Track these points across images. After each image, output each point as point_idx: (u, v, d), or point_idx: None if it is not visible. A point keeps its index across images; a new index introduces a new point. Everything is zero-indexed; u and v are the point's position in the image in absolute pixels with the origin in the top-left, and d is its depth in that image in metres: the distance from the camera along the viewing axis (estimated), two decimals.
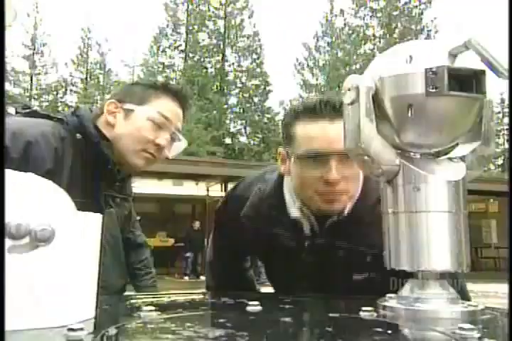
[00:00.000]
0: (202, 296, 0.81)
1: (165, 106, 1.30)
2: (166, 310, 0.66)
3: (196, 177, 13.74)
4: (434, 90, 0.68)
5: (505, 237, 15.23)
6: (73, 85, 27.63)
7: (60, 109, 25.45)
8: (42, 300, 0.55)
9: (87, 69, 27.98)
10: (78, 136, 1.25)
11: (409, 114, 0.71)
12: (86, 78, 27.78)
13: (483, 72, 0.69)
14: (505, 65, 0.68)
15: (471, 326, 0.57)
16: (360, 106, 0.74)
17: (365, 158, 0.74)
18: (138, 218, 1.78)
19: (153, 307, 0.65)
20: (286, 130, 1.15)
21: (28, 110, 1.31)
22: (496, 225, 16.36)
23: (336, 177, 1.06)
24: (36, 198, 0.58)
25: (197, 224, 13.90)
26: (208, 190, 15.69)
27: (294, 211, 1.18)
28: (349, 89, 0.75)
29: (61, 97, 27.20)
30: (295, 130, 1.11)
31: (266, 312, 0.70)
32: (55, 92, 27.10)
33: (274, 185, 1.24)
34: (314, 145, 1.07)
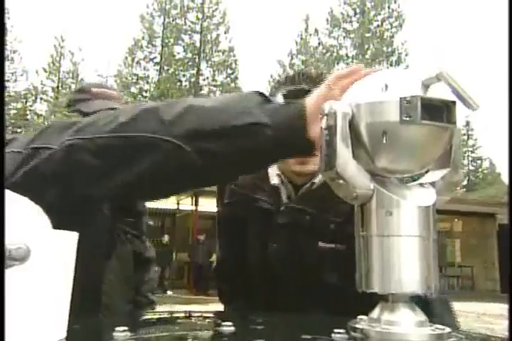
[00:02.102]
0: (177, 315, 0.80)
1: None
2: (139, 331, 0.65)
3: None
4: (407, 118, 0.71)
5: (468, 256, 15.57)
6: (44, 94, 27.13)
7: (28, 117, 24.91)
8: (13, 320, 0.54)
9: (58, 78, 27.57)
10: None
11: (384, 141, 0.74)
12: (57, 87, 27.35)
13: (453, 102, 0.73)
14: (475, 97, 0.72)
15: None
16: (336, 131, 0.76)
17: (341, 181, 0.76)
18: (150, 223, 1.71)
19: (126, 328, 0.64)
20: None
21: None
22: (460, 244, 16.73)
23: None
24: (10, 215, 0.57)
25: (166, 238, 13.72)
26: (178, 204, 15.54)
27: (274, 179, 1.34)
28: (326, 114, 0.78)
29: (30, 105, 26.65)
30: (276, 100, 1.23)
31: (239, 333, 0.71)
32: (24, 100, 26.54)
33: None
34: None
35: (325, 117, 0.78)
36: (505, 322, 8.36)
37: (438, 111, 0.72)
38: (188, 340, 0.64)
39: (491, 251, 15.52)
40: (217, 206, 1.54)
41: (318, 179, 1.30)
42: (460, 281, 15.52)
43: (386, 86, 0.74)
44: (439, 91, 0.74)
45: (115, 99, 1.63)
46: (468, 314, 9.52)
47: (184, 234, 15.33)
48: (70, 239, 0.64)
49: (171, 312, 0.83)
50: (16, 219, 0.57)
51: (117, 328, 0.64)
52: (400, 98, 0.71)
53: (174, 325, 0.75)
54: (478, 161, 36.80)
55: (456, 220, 16.67)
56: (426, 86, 0.73)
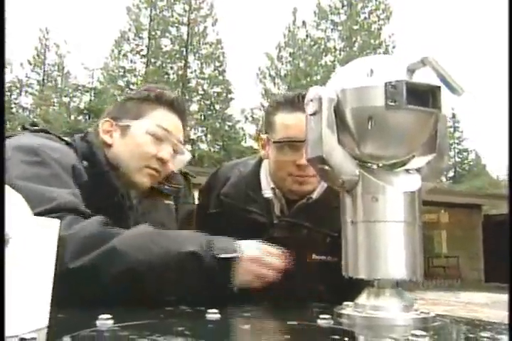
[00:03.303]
0: (160, 303, 0.80)
1: (163, 118, 1.23)
2: (123, 318, 0.64)
3: None
4: (393, 103, 0.70)
5: (454, 247, 15.77)
6: (29, 87, 26.78)
7: (13, 110, 24.57)
8: None
9: (44, 71, 27.21)
10: (85, 163, 1.16)
11: (369, 126, 0.73)
12: (43, 80, 27.00)
13: (438, 88, 0.72)
14: (459, 82, 0.72)
15: (423, 332, 0.59)
16: (322, 117, 0.76)
17: (326, 168, 0.76)
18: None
19: (109, 316, 0.63)
20: (267, 118, 1.31)
21: (36, 127, 1.21)
22: (446, 235, 16.92)
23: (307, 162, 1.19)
24: (4, 211, 0.56)
25: None
26: None
27: (267, 192, 1.32)
28: (311, 100, 0.77)
29: (15, 98, 26.29)
30: (275, 119, 1.27)
31: (224, 320, 0.70)
32: (8, 93, 26.17)
33: (252, 168, 1.39)
34: (290, 134, 1.22)
35: (310, 103, 0.77)
36: (490, 311, 8.51)
37: (423, 96, 0.72)
38: (174, 328, 0.63)
39: (477, 241, 15.73)
40: (197, 215, 1.50)
41: (315, 195, 1.30)
42: (446, 271, 15.72)
43: (371, 71, 0.74)
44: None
45: None
46: (454, 303, 9.66)
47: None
48: (52, 226, 0.63)
49: (156, 301, 0.83)
50: None
51: (101, 316, 0.63)
52: (385, 83, 0.71)
53: (159, 312, 0.75)
54: (465, 153, 37.20)
55: (442, 211, 16.84)
56: (411, 71, 0.73)
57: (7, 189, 0.60)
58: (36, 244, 0.59)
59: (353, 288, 0.79)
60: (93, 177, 1.15)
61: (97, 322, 0.63)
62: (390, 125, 0.73)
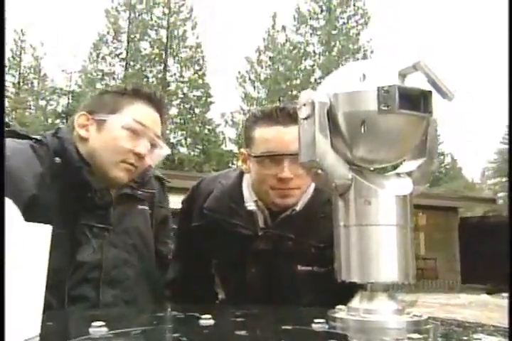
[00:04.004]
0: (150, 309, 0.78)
1: (139, 112, 1.22)
2: (116, 325, 0.63)
3: None
4: (385, 108, 0.71)
5: (432, 249, 15.98)
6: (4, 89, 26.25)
7: None
8: None
9: (19, 73, 26.73)
10: (57, 159, 1.15)
11: (362, 130, 0.74)
12: (18, 82, 26.51)
13: (430, 92, 0.73)
14: (450, 86, 0.73)
15: (419, 335, 0.60)
16: (315, 121, 0.76)
17: (319, 171, 0.76)
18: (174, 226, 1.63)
19: (102, 323, 0.62)
20: (246, 133, 1.30)
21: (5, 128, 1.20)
22: (424, 237, 17.14)
23: (288, 176, 1.20)
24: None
25: None
26: None
27: (250, 204, 1.31)
28: (304, 104, 0.77)
29: None
30: (254, 133, 1.26)
31: (219, 325, 0.70)
32: None
33: (234, 180, 1.37)
34: (270, 147, 1.21)
35: (303, 107, 0.77)
36: (466, 312, 8.65)
37: (415, 101, 0.72)
38: (169, 334, 0.62)
39: (453, 243, 15.98)
40: (180, 226, 1.49)
41: (298, 206, 1.30)
42: (424, 273, 15.92)
43: (364, 76, 0.74)
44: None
45: None
46: (432, 304, 9.79)
47: None
48: (43, 232, 0.61)
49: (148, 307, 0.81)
50: None
51: (94, 323, 0.62)
52: (378, 87, 0.71)
53: (153, 319, 0.74)
54: (441, 157, 37.90)
55: (420, 214, 17.06)
56: (403, 76, 0.74)
57: None
58: (28, 250, 0.58)
59: (343, 296, 0.79)
60: (66, 173, 1.14)
61: (90, 330, 0.61)
62: (382, 129, 0.74)
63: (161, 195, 1.68)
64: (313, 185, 1.28)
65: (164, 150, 1.29)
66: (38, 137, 1.19)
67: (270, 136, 1.22)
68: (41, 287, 0.60)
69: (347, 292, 0.78)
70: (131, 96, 1.24)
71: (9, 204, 0.58)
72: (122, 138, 1.19)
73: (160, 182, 1.69)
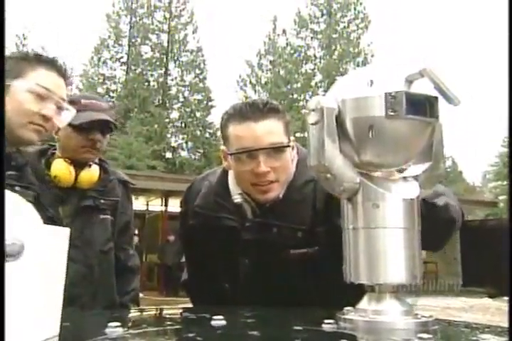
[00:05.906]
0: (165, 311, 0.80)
1: (42, 77, 1.29)
2: (131, 326, 0.65)
3: (136, 192, 13.43)
4: (393, 113, 0.73)
5: (432, 252, 15.96)
6: None
7: None
8: (7, 317, 0.53)
9: None
10: None
11: (370, 135, 0.75)
12: None
13: (436, 98, 0.75)
14: (456, 92, 0.75)
15: (429, 335, 0.61)
16: (323, 127, 0.78)
17: (328, 175, 0.78)
18: (136, 232, 1.67)
19: (118, 323, 0.64)
20: (221, 131, 1.32)
21: None
22: None
23: (264, 170, 1.23)
24: (4, 212, 0.56)
25: (135, 239, 13.52)
26: (147, 205, 15.36)
27: (236, 197, 1.33)
28: (313, 110, 0.79)
29: None
30: (228, 131, 1.28)
31: (231, 326, 0.71)
32: None
33: (220, 176, 1.40)
34: (243, 144, 1.23)
35: (312, 113, 0.79)
36: (466, 315, 8.63)
37: (422, 106, 0.74)
38: (184, 334, 0.64)
39: (454, 247, 15.96)
40: (181, 228, 1.53)
41: (281, 194, 1.31)
42: (425, 277, 15.91)
43: (371, 82, 0.76)
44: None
45: (104, 110, 1.60)
46: (433, 308, 9.78)
47: (154, 235, 15.17)
48: (62, 234, 0.63)
49: (160, 309, 0.83)
50: (7, 215, 0.56)
51: (110, 324, 0.63)
52: (385, 93, 0.73)
53: (166, 320, 0.75)
54: None
55: None
56: (409, 81, 0.76)
57: (18, 198, 0.60)
58: (47, 252, 0.59)
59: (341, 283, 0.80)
60: None
61: (106, 330, 0.63)
62: (390, 134, 0.75)
63: (124, 200, 1.72)
64: (292, 175, 1.30)
65: (71, 112, 1.35)
66: None
67: (241, 132, 1.23)
68: (60, 288, 0.62)
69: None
70: (33, 61, 1.31)
71: (29, 207, 0.60)
72: (27, 101, 1.26)
73: (124, 186, 1.74)
